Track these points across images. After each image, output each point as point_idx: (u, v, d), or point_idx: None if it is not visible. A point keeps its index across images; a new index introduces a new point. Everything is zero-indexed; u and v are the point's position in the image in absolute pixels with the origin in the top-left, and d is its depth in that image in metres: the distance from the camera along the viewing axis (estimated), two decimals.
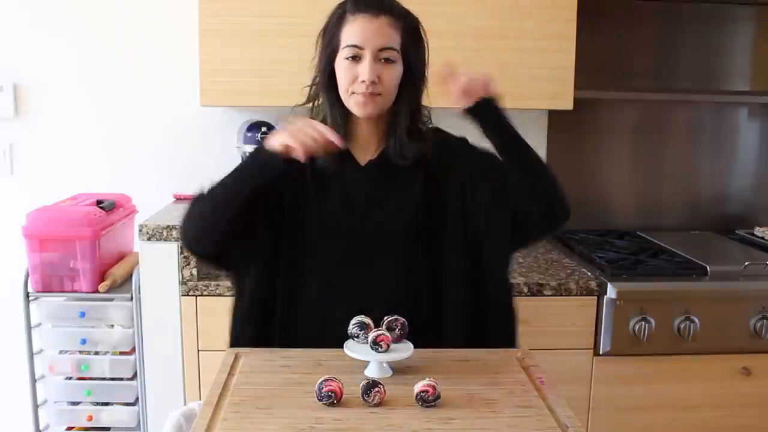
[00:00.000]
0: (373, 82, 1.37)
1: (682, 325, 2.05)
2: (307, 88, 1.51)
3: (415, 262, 1.49)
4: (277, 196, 1.48)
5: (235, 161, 2.39)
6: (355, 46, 1.38)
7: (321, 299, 1.48)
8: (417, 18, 1.46)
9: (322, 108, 1.48)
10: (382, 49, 1.38)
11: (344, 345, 1.36)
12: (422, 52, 1.46)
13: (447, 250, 1.49)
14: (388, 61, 1.39)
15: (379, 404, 1.23)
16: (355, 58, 1.39)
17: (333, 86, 1.44)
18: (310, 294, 1.48)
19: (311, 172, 1.48)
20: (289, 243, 1.49)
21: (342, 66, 1.41)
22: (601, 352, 2.08)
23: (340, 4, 1.43)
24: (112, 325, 2.09)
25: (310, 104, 1.51)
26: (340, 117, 1.45)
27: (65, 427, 2.14)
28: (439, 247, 1.49)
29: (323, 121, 1.46)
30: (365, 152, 1.50)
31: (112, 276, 2.05)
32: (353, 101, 1.41)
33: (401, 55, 1.41)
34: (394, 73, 1.40)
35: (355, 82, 1.39)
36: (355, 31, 1.38)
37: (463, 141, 1.56)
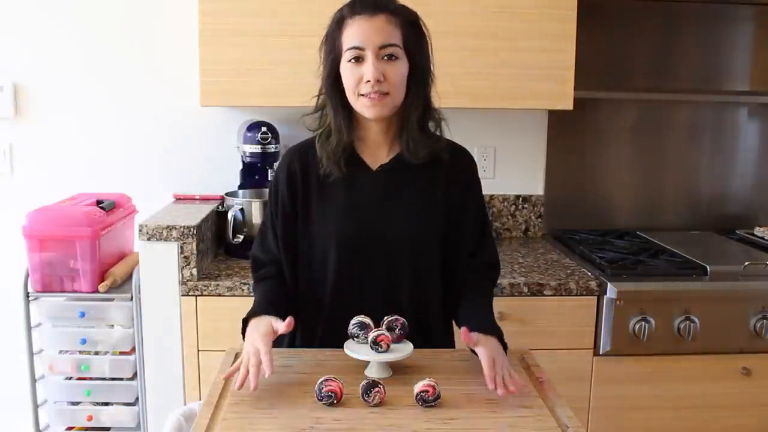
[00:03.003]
0: (378, 81, 1.37)
1: (682, 325, 2.05)
2: (316, 98, 1.49)
3: (424, 265, 1.50)
4: (291, 211, 1.50)
5: (235, 161, 2.41)
6: (356, 47, 1.38)
7: (333, 306, 1.49)
8: (416, 13, 1.45)
9: (329, 116, 1.46)
10: (383, 47, 1.37)
11: (344, 345, 1.37)
12: (425, 47, 1.45)
13: (435, 250, 1.51)
14: (391, 58, 1.38)
15: (379, 404, 1.23)
16: (358, 60, 1.38)
17: (338, 92, 1.43)
18: (325, 300, 1.49)
19: (318, 178, 1.48)
20: (303, 252, 1.51)
21: (346, 69, 1.40)
22: (601, 352, 2.08)
23: (338, 10, 1.43)
24: (112, 325, 2.09)
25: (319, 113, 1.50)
26: (346, 123, 1.44)
27: (65, 427, 2.14)
28: (435, 250, 1.51)
29: (328, 128, 1.46)
30: (376, 157, 1.49)
31: (112, 276, 2.05)
32: (361, 104, 1.41)
33: (404, 51, 1.40)
34: (398, 70, 1.39)
35: (360, 83, 1.38)
36: (354, 32, 1.38)
37: (472, 160, 1.57)
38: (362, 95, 1.39)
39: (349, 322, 1.39)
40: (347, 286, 1.47)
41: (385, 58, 1.38)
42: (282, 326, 1.32)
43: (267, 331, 1.32)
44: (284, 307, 1.46)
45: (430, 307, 1.51)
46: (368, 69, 1.37)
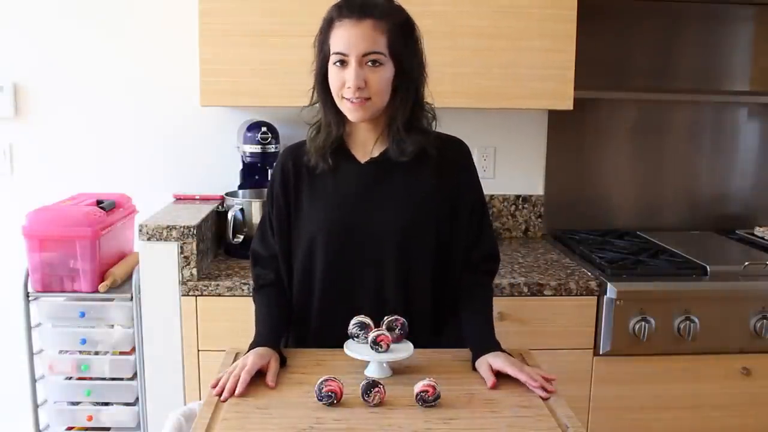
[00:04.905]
0: (359, 88, 1.38)
1: (682, 325, 2.05)
2: (311, 91, 1.51)
3: (413, 258, 1.49)
4: (284, 208, 1.52)
5: (235, 161, 2.41)
6: (340, 53, 1.39)
7: (323, 299, 1.50)
8: (406, 14, 1.45)
9: (320, 112, 1.49)
10: (366, 55, 1.38)
11: (344, 345, 1.37)
12: (414, 48, 1.45)
13: (426, 247, 1.50)
14: (375, 64, 1.39)
15: (379, 404, 1.23)
16: (343, 64, 1.40)
17: (328, 90, 1.45)
18: (315, 290, 1.51)
19: (308, 173, 1.50)
20: (295, 244, 1.53)
21: (332, 72, 1.42)
22: (601, 352, 2.08)
23: (329, 9, 1.44)
24: (112, 325, 2.09)
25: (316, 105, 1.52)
26: (335, 121, 1.47)
27: (65, 427, 2.14)
28: (424, 242, 1.51)
29: (319, 124, 1.49)
30: (365, 151, 1.51)
31: (112, 276, 2.05)
32: (344, 107, 1.43)
33: (390, 56, 1.41)
34: (381, 76, 1.40)
35: (343, 87, 1.41)
36: (339, 37, 1.40)
37: (466, 150, 1.57)
38: (345, 98, 1.41)
39: (341, 313, 1.41)
40: (336, 277, 1.48)
41: (369, 64, 1.39)
42: (272, 378, 1.33)
43: (264, 354, 1.37)
44: (285, 325, 1.53)
45: (416, 302, 1.50)
46: (350, 75, 1.38)
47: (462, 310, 1.52)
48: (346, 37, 1.38)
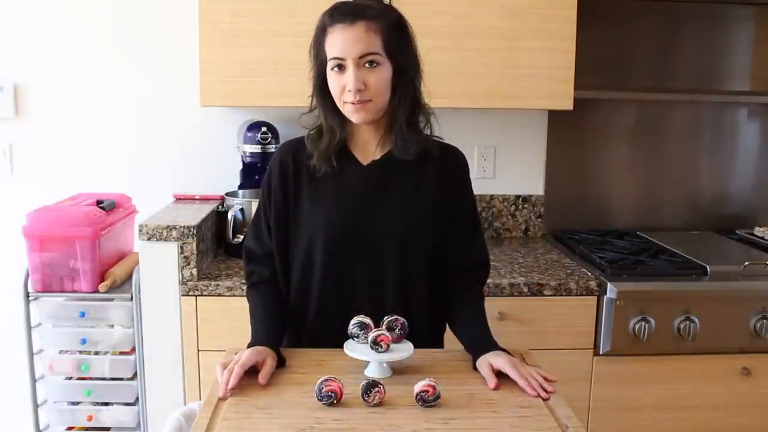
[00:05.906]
0: (359, 90, 1.39)
1: (682, 325, 2.05)
2: (310, 98, 1.51)
3: (411, 260, 1.50)
4: (282, 205, 1.52)
5: (235, 161, 2.41)
6: (336, 58, 1.40)
7: (321, 299, 1.50)
8: (397, 13, 1.46)
9: (320, 117, 1.49)
10: (362, 56, 1.39)
11: (344, 345, 1.37)
12: (409, 46, 1.46)
13: (425, 249, 1.51)
14: (372, 65, 1.40)
15: (379, 404, 1.23)
16: (341, 68, 1.40)
17: (327, 95, 1.46)
18: (312, 291, 1.51)
19: (309, 173, 1.50)
20: (294, 243, 1.52)
21: (331, 77, 1.43)
22: (601, 352, 2.08)
23: (320, 17, 1.44)
24: (112, 325, 2.09)
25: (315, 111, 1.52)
26: (337, 124, 1.47)
27: (65, 427, 2.14)
28: (423, 244, 1.51)
29: (320, 128, 1.49)
30: (367, 153, 1.51)
31: (112, 276, 2.05)
32: (347, 110, 1.43)
33: (386, 56, 1.41)
34: (380, 76, 1.41)
35: (344, 91, 1.41)
36: (335, 42, 1.40)
37: (464, 159, 1.57)
38: (347, 102, 1.41)
39: (338, 314, 1.41)
40: (334, 278, 1.48)
41: (366, 65, 1.39)
42: (263, 376, 1.32)
43: (260, 351, 1.36)
44: (282, 324, 1.52)
45: (413, 303, 1.50)
46: (349, 79, 1.39)
47: (456, 313, 1.53)
48: (340, 42, 1.39)
